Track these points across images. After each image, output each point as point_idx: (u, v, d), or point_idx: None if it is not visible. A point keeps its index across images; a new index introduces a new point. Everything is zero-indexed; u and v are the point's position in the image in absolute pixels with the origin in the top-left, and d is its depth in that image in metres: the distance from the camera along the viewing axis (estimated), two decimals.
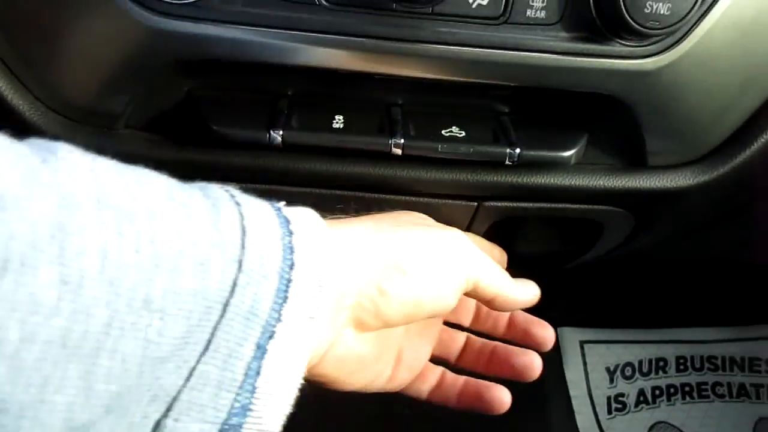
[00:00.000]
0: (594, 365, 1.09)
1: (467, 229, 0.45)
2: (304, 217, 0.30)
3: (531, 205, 0.41)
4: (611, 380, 1.08)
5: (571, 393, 1.07)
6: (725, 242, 0.70)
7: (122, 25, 0.32)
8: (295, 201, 0.32)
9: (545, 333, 0.46)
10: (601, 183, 0.40)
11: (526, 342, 0.46)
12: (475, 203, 0.41)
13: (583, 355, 1.10)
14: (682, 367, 1.12)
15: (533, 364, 0.45)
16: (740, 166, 0.41)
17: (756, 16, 0.33)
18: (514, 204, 0.41)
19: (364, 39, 0.32)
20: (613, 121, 0.39)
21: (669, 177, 0.41)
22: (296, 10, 0.31)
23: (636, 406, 1.07)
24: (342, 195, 0.39)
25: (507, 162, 0.37)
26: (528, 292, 0.41)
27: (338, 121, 0.36)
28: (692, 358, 1.13)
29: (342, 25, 0.32)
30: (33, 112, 0.35)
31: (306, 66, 0.33)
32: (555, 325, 1.16)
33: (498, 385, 0.44)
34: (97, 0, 0.31)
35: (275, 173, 0.38)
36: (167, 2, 0.31)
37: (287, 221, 0.29)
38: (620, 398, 1.06)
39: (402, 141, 0.36)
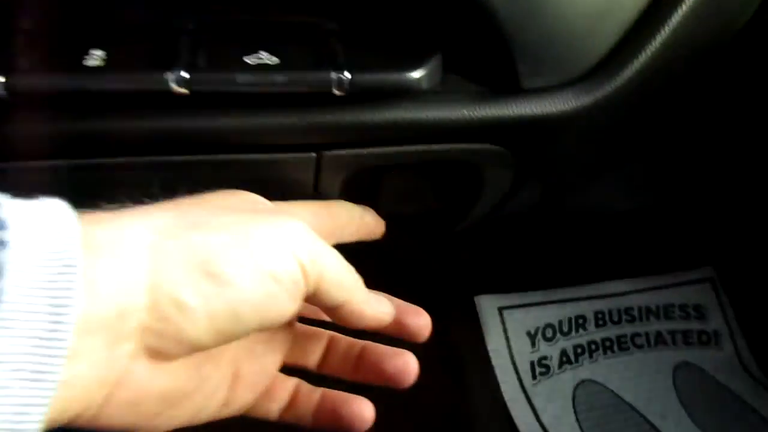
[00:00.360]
0: (514, 331, 1.05)
1: (315, 190, 0.36)
2: (28, 208, 0.21)
3: (383, 150, 0.32)
4: (533, 344, 1.04)
5: (494, 362, 1.02)
6: (620, 192, 0.65)
7: None
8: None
9: (420, 321, 0.38)
10: (466, 113, 0.32)
11: (400, 334, 0.38)
12: (314, 154, 0.32)
13: (503, 322, 1.05)
14: (600, 322, 1.10)
15: (408, 368, 0.38)
16: (625, 86, 0.34)
17: None
18: (362, 151, 0.32)
19: None
20: (474, 35, 0.31)
21: (546, 101, 0.34)
22: None
23: (560, 367, 1.03)
24: (129, 163, 0.29)
25: (336, 92, 0.28)
26: (381, 308, 0.34)
27: (96, 57, 0.26)
28: (610, 312, 1.12)
29: None
30: None
31: None
32: (472, 294, 1.10)
33: (359, 397, 0.36)
34: None
35: None
36: None
37: None
38: (543, 361, 1.03)
39: (187, 75, 0.26)
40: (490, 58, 0.33)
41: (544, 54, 0.33)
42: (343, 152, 0.32)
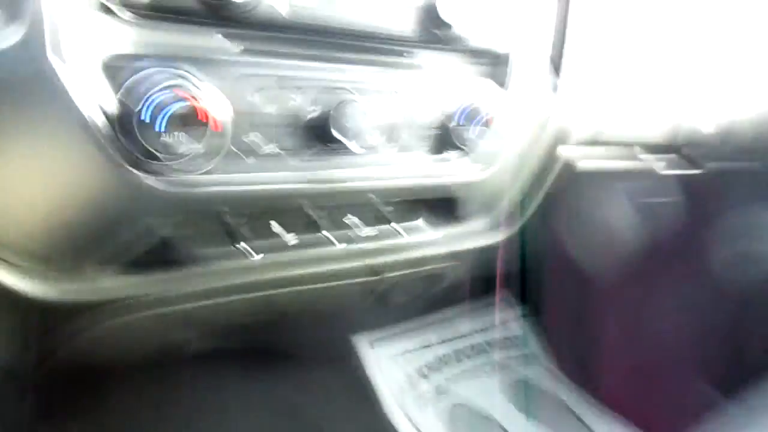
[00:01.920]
0: (385, 359, 1.33)
1: None
2: None
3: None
4: (412, 385, 1.33)
5: (380, 399, 1.28)
6: None
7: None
8: None
9: None
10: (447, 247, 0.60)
11: None
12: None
13: (377, 355, 1.33)
14: (460, 358, 1.43)
15: None
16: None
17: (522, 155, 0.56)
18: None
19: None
20: (447, 207, 0.60)
21: (485, 236, 0.63)
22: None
23: (437, 396, 1.33)
24: None
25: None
26: None
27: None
28: (465, 348, 1.46)
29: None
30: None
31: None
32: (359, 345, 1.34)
33: None
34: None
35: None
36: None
37: None
38: (424, 395, 1.32)
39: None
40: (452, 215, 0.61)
41: (482, 216, 0.62)
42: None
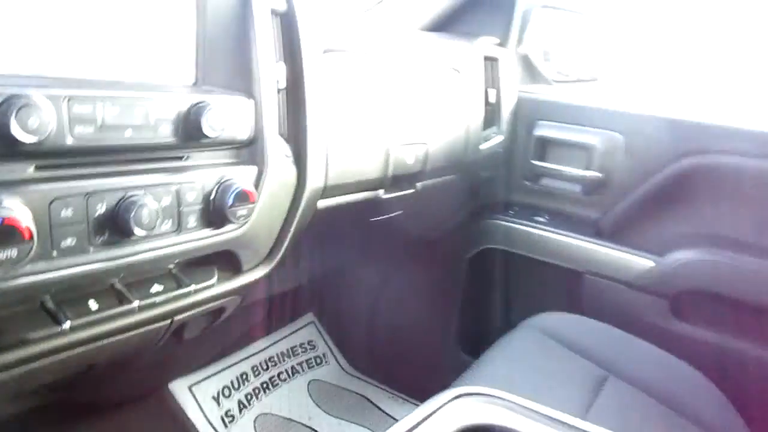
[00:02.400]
0: (204, 400, 1.42)
1: None
2: None
3: None
4: (219, 404, 1.43)
5: (195, 425, 1.37)
6: None
7: None
8: None
9: None
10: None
11: None
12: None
13: (195, 398, 1.41)
14: (257, 372, 1.57)
15: None
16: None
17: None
18: None
19: None
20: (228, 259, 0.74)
21: (255, 273, 0.79)
22: None
23: (240, 412, 1.46)
24: None
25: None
26: None
27: None
28: (260, 363, 1.60)
29: None
30: None
31: None
32: (165, 382, 1.42)
33: None
34: None
35: None
36: None
37: None
38: (229, 413, 1.43)
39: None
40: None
41: (251, 257, 0.78)
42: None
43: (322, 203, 0.86)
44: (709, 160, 1.19)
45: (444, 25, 1.38)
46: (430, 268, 1.51)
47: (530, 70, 1.47)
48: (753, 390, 1.10)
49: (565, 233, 1.33)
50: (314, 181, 0.79)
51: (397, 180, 1.01)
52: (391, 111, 0.97)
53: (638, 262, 1.24)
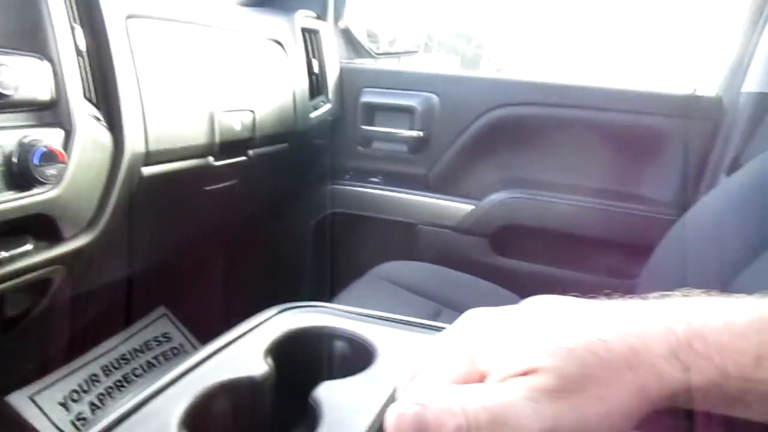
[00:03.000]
0: (50, 408, 1.34)
1: None
2: None
3: None
4: (67, 409, 1.35)
5: None
6: None
7: None
8: None
9: None
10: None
11: None
12: None
13: (39, 407, 1.32)
14: (108, 372, 1.51)
15: None
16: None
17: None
18: None
19: None
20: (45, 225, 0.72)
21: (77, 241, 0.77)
22: None
23: (93, 413, 1.39)
24: None
25: None
26: None
27: None
28: (111, 363, 1.53)
29: None
30: None
31: None
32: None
33: None
34: None
35: None
36: None
37: None
38: (80, 416, 1.36)
39: None
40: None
41: (70, 224, 0.76)
42: None
43: (147, 170, 0.86)
44: (510, 111, 1.36)
45: (263, 1, 1.41)
46: (277, 238, 1.54)
47: (353, 45, 1.56)
48: None
49: (397, 190, 1.44)
50: (133, 146, 0.79)
51: (226, 147, 1.03)
52: (210, 78, 0.98)
53: (461, 208, 1.38)
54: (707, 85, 1.34)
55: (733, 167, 1.14)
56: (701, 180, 1.26)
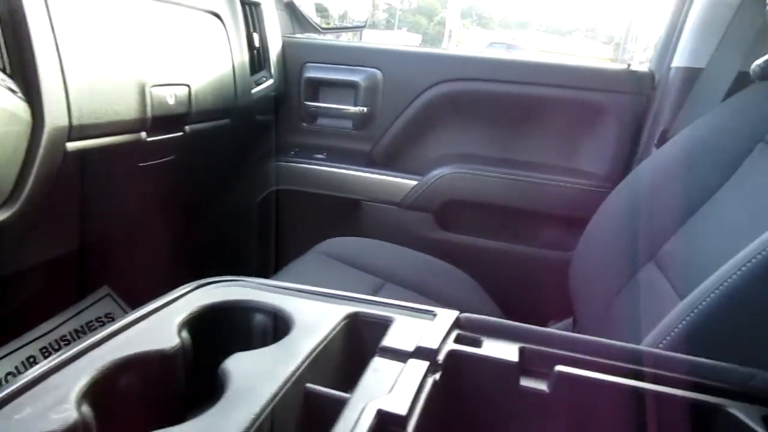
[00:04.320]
0: None
1: None
2: None
3: None
4: None
5: None
6: None
7: None
8: None
9: None
10: None
11: None
12: None
13: None
14: (47, 353, 1.47)
15: None
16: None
17: None
18: None
19: None
20: None
21: None
22: None
23: None
24: None
25: None
26: None
27: None
28: (50, 344, 1.50)
29: None
30: None
31: None
32: None
33: None
34: None
35: None
36: None
37: None
38: None
39: None
40: None
41: None
42: None
43: (72, 146, 0.83)
44: (453, 87, 1.37)
45: None
46: (222, 215, 1.52)
47: (297, 19, 1.53)
48: (501, 277, 1.32)
49: (342, 167, 1.44)
50: (54, 120, 0.76)
51: (160, 122, 1.00)
52: (141, 50, 0.95)
53: (405, 183, 1.39)
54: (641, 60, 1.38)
55: (662, 140, 1.18)
56: (635, 153, 1.31)
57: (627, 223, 1.03)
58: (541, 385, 0.45)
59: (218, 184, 1.44)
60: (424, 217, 1.38)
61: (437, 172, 1.36)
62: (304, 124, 1.47)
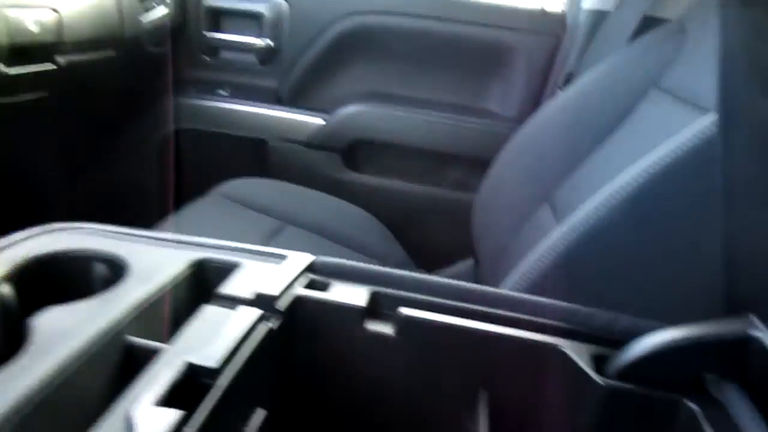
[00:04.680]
0: None
1: None
2: None
3: None
4: None
5: None
6: None
7: None
8: None
9: None
10: None
11: None
12: None
13: None
14: None
15: None
16: None
17: None
18: None
19: None
20: None
21: None
22: None
23: None
24: None
25: None
26: None
27: None
28: None
29: None
30: None
31: None
32: None
33: None
34: None
35: None
36: None
37: None
38: None
39: None
40: None
41: None
42: None
43: None
44: (362, 21, 1.30)
45: None
46: (118, 157, 1.43)
47: None
48: (407, 219, 1.31)
49: (247, 104, 1.36)
50: None
51: (21, 51, 0.90)
52: None
53: (312, 122, 1.33)
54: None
55: (567, 82, 1.18)
56: (542, 95, 1.30)
57: (526, 166, 1.03)
58: (387, 329, 0.44)
59: (108, 126, 1.33)
60: (332, 157, 1.34)
61: (345, 111, 1.31)
62: (206, 57, 1.37)
